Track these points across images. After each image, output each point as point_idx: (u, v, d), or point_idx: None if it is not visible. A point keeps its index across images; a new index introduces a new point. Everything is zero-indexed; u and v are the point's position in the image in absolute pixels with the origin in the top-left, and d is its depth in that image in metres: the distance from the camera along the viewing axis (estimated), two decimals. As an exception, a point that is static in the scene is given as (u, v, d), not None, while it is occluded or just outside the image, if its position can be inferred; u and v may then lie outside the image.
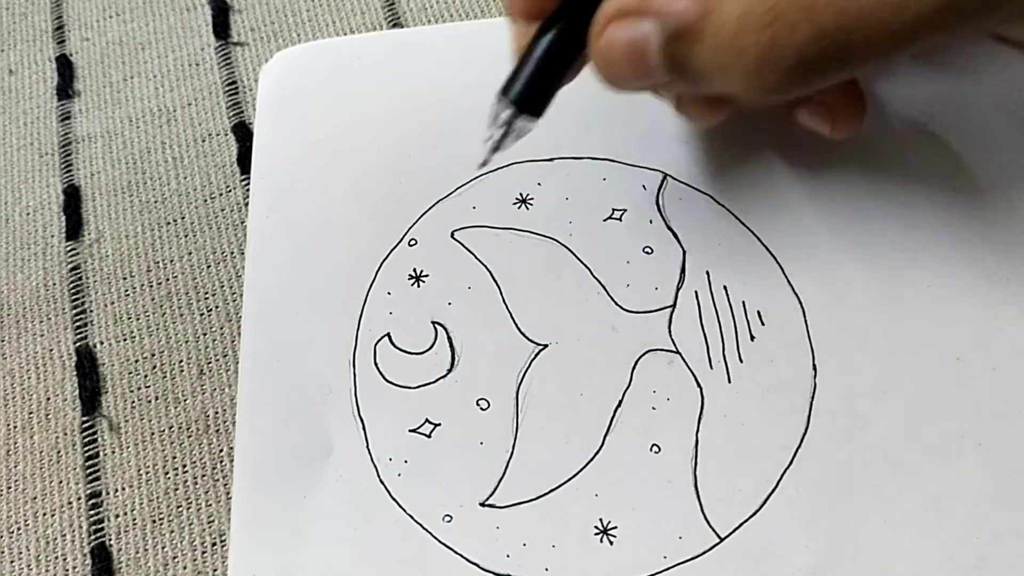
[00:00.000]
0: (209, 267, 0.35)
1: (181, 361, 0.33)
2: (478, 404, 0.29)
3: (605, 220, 0.32)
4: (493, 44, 0.35)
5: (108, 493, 0.31)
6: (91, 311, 0.35)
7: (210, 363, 0.33)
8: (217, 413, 0.32)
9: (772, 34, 0.22)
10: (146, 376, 0.33)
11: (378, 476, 0.29)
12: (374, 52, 0.36)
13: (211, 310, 0.34)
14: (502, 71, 0.34)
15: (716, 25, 0.23)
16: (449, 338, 0.30)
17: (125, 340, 0.34)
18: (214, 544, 0.30)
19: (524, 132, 0.27)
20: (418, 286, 0.31)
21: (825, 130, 0.29)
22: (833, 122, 0.29)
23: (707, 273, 0.30)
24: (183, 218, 0.36)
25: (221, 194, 0.36)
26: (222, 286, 0.34)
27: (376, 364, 0.30)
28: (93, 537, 0.31)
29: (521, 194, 0.33)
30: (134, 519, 0.31)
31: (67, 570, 0.30)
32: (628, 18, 0.24)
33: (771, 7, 0.22)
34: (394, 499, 0.28)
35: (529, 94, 0.27)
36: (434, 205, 0.33)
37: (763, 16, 0.22)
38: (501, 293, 0.31)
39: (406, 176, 0.33)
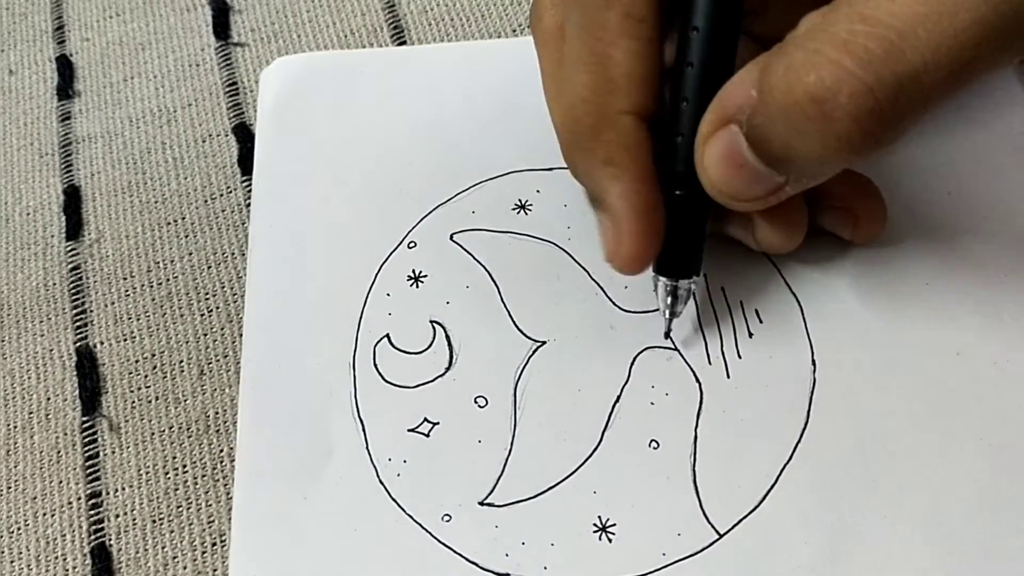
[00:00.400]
0: (210, 268, 0.35)
1: (181, 361, 0.33)
2: (476, 402, 0.29)
3: (604, 221, 0.32)
4: (495, 63, 0.36)
5: (108, 493, 0.31)
6: (91, 311, 0.35)
7: (210, 363, 0.33)
8: (217, 413, 0.32)
9: (817, 77, 0.21)
10: (146, 376, 0.33)
11: (378, 476, 0.29)
12: (376, 68, 0.36)
13: (211, 311, 0.34)
14: (503, 88, 0.34)
15: (772, 93, 0.22)
16: (447, 336, 0.30)
17: (125, 340, 0.34)
18: (214, 544, 0.30)
19: (690, 291, 0.28)
20: (417, 286, 0.32)
21: (847, 234, 0.29)
22: (855, 225, 0.29)
23: (704, 275, 0.30)
24: (183, 218, 0.36)
25: (222, 195, 0.36)
26: (223, 287, 0.34)
27: (375, 365, 0.30)
28: (93, 537, 0.30)
29: (520, 200, 0.33)
30: (134, 519, 0.31)
31: (67, 570, 0.30)
32: (716, 133, 0.24)
33: (810, 51, 0.21)
34: (394, 499, 0.28)
35: (681, 263, 0.28)
36: (434, 209, 0.33)
37: (804, 63, 0.22)
38: (499, 292, 0.31)
39: (406, 182, 0.33)
